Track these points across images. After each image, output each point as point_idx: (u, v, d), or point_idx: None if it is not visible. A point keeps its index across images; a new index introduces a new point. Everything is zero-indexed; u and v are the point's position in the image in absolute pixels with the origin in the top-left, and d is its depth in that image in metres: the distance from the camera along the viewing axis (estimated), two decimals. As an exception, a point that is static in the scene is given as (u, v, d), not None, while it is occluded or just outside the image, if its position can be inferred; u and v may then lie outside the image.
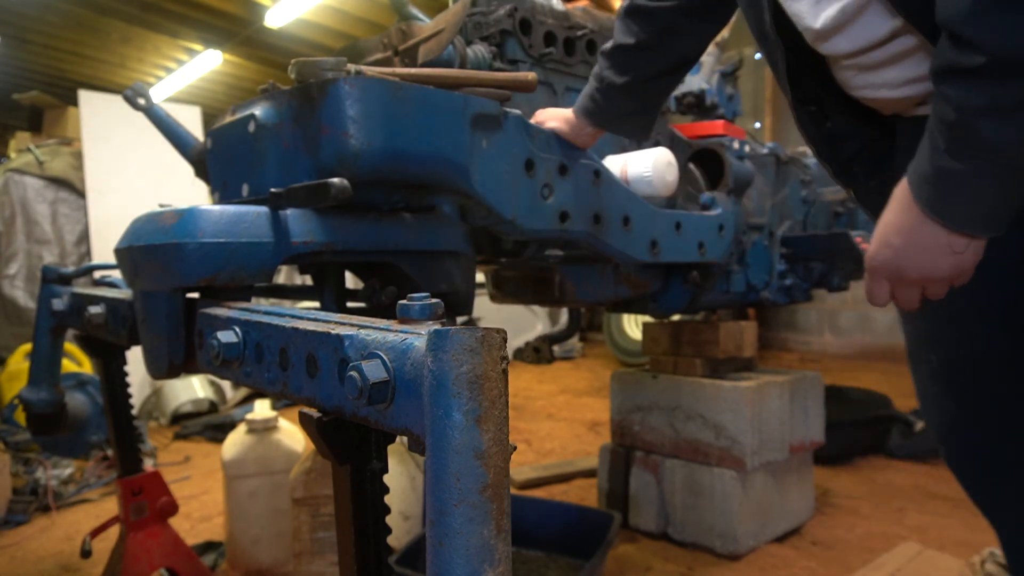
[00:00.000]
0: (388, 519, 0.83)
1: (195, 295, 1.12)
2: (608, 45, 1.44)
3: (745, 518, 2.19)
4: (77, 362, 3.54)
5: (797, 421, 2.38)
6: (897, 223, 0.88)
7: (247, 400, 4.31)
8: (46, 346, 1.77)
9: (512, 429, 2.76)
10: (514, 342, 5.58)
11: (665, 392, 2.35)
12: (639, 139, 1.57)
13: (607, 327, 6.02)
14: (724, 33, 2.32)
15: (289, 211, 1.09)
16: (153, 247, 1.03)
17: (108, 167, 4.39)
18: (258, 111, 1.19)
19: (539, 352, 2.31)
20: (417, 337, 0.61)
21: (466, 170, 1.24)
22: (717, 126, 2.09)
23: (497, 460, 0.55)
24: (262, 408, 2.31)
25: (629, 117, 1.49)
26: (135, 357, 1.38)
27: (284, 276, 4.92)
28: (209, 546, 2.35)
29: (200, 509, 2.78)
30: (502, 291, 2.03)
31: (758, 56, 5.28)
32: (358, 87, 1.09)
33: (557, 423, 4.07)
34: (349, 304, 1.32)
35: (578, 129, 1.47)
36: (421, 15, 1.62)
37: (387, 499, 0.82)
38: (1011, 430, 1.05)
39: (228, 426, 3.74)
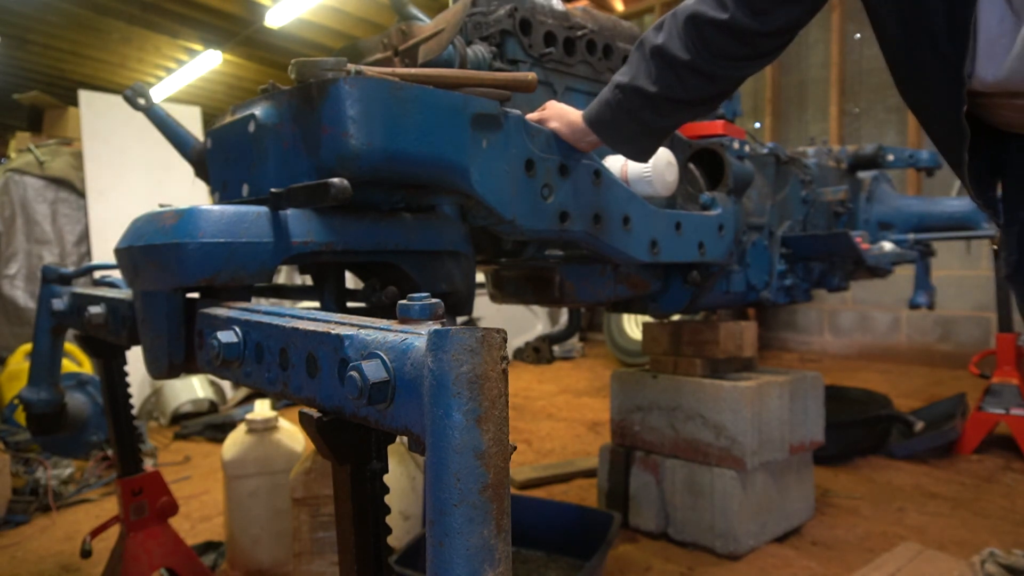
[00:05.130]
0: (388, 519, 0.83)
1: (195, 295, 1.12)
2: (649, 48, 1.29)
3: (745, 518, 2.19)
4: (77, 362, 3.54)
5: (797, 421, 2.38)
6: None
7: (247, 400, 4.30)
8: (46, 346, 1.77)
9: (512, 429, 2.76)
10: (514, 342, 5.57)
11: (665, 392, 2.34)
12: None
13: (607, 327, 6.02)
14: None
15: (289, 211, 1.09)
16: (153, 247, 1.03)
17: (108, 167, 4.39)
18: (258, 111, 1.19)
19: (539, 352, 2.31)
20: (417, 337, 0.61)
21: (466, 170, 1.24)
22: (717, 126, 2.08)
23: (497, 460, 0.55)
24: (262, 408, 2.31)
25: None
26: (135, 357, 1.38)
27: (284, 276, 4.92)
28: (209, 546, 2.35)
29: (200, 509, 2.78)
30: (502, 291, 2.02)
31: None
32: (358, 87, 1.09)
33: (557, 423, 4.07)
34: (349, 304, 1.32)
35: (581, 135, 1.42)
36: (421, 15, 1.62)
37: (387, 499, 0.82)
38: None
39: (228, 426, 3.74)
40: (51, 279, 1.71)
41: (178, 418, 4.11)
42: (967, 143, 1.09)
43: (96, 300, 1.43)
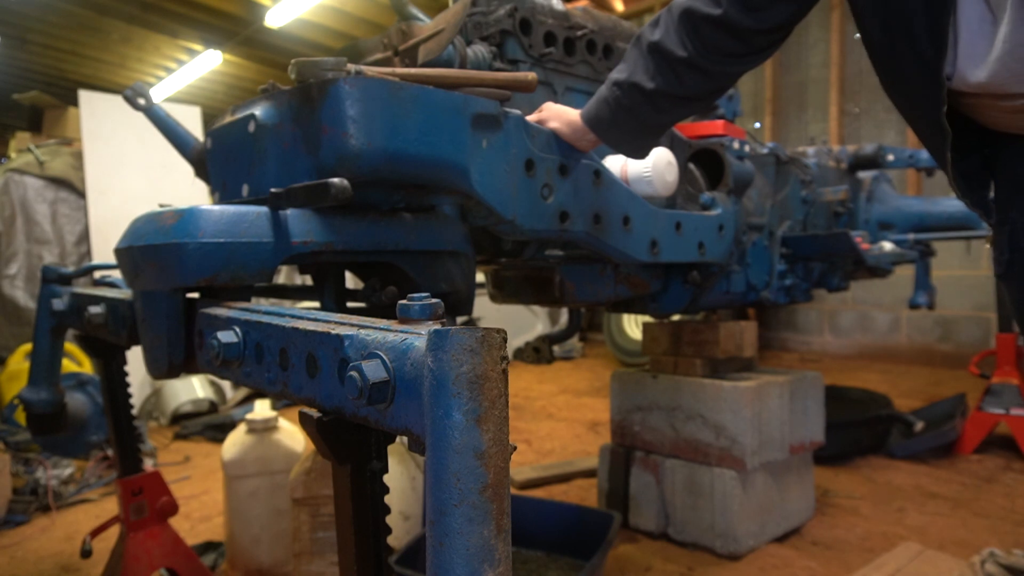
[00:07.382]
0: (388, 519, 0.82)
1: (195, 295, 1.12)
2: (647, 44, 1.29)
3: (745, 518, 2.19)
4: (77, 362, 3.54)
5: (797, 421, 2.38)
6: None
7: (247, 400, 4.30)
8: (46, 346, 1.77)
9: (512, 429, 2.76)
10: (514, 342, 5.58)
11: (665, 392, 2.34)
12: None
13: (607, 327, 6.02)
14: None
15: (289, 211, 1.09)
16: (153, 247, 1.03)
17: (108, 167, 4.39)
18: (258, 111, 1.19)
19: (539, 352, 2.31)
20: (417, 337, 0.61)
21: (466, 170, 1.24)
22: (717, 126, 2.08)
23: (497, 460, 0.55)
24: (262, 408, 2.31)
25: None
26: (135, 357, 1.38)
27: (284, 276, 4.92)
28: (209, 546, 2.35)
29: (200, 509, 2.78)
30: (502, 291, 2.02)
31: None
32: (358, 87, 1.09)
33: (557, 423, 4.07)
34: (349, 304, 1.32)
35: (580, 134, 1.42)
36: (421, 15, 1.62)
37: (387, 499, 0.82)
38: None
39: (228, 426, 3.74)
40: (51, 279, 1.70)
41: (178, 418, 4.11)
42: (949, 143, 1.09)
43: (96, 300, 1.43)
